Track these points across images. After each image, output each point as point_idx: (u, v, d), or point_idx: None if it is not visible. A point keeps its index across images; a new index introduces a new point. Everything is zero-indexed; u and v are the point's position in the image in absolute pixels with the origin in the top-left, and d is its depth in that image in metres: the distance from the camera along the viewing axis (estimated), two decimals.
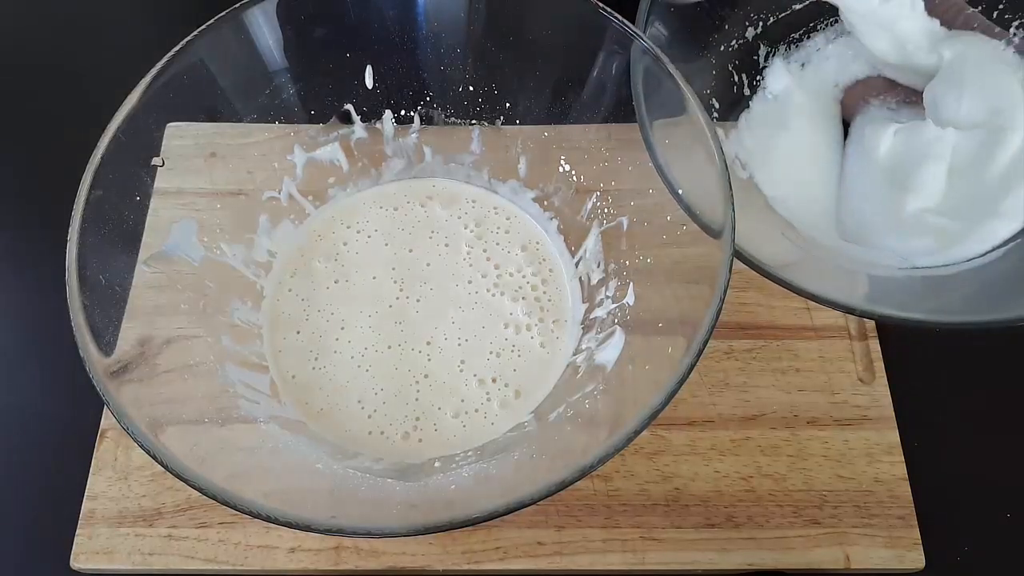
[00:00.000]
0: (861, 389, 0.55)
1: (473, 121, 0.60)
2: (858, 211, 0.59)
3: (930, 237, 0.55)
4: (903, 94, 0.62)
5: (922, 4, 0.59)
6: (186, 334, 0.51)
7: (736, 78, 0.63)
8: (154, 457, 0.41)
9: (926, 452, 0.54)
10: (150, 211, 0.52)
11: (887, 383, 0.55)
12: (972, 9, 0.61)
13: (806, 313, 0.58)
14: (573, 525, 0.51)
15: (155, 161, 0.53)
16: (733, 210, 0.45)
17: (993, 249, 0.55)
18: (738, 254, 0.47)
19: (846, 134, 0.62)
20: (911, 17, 0.59)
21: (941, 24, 0.60)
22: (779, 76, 0.63)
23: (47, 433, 0.56)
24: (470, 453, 0.51)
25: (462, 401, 0.54)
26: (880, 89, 0.63)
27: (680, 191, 0.49)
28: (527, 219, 0.62)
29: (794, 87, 0.63)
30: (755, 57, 0.64)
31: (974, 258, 0.55)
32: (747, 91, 0.64)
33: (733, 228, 0.45)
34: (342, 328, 0.57)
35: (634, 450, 0.53)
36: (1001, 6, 0.62)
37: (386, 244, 0.60)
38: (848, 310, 0.49)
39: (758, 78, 0.64)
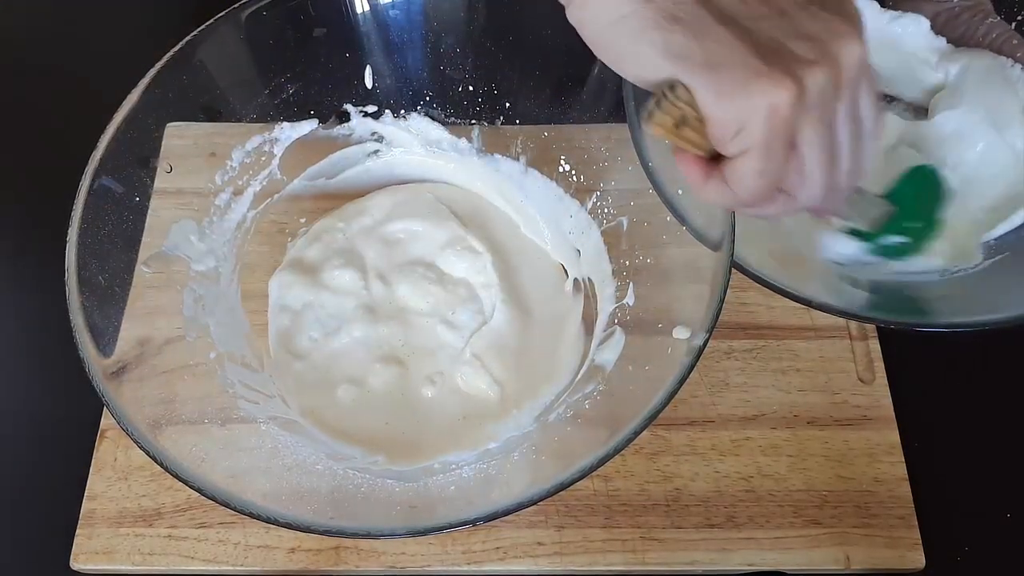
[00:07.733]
0: (861, 389, 0.55)
1: (473, 121, 0.60)
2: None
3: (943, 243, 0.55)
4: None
5: (927, 23, 0.60)
6: (186, 334, 0.51)
7: None
8: (154, 458, 0.41)
9: (926, 452, 0.54)
10: (150, 211, 0.52)
11: (887, 383, 0.55)
12: (996, 17, 0.61)
13: (806, 313, 0.58)
14: (573, 525, 0.51)
15: (163, 167, 0.53)
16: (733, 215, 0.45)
17: (986, 260, 0.55)
18: (734, 264, 0.47)
19: None
20: (918, 35, 0.60)
21: (962, 33, 0.61)
22: None
23: (47, 433, 0.56)
24: None
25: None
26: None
27: (679, 192, 0.49)
28: None
29: None
30: None
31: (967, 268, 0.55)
32: None
33: (732, 234, 0.45)
34: (342, 327, 0.56)
35: (634, 450, 0.53)
36: (1020, 17, 0.61)
37: None
38: (847, 315, 0.49)
39: None
